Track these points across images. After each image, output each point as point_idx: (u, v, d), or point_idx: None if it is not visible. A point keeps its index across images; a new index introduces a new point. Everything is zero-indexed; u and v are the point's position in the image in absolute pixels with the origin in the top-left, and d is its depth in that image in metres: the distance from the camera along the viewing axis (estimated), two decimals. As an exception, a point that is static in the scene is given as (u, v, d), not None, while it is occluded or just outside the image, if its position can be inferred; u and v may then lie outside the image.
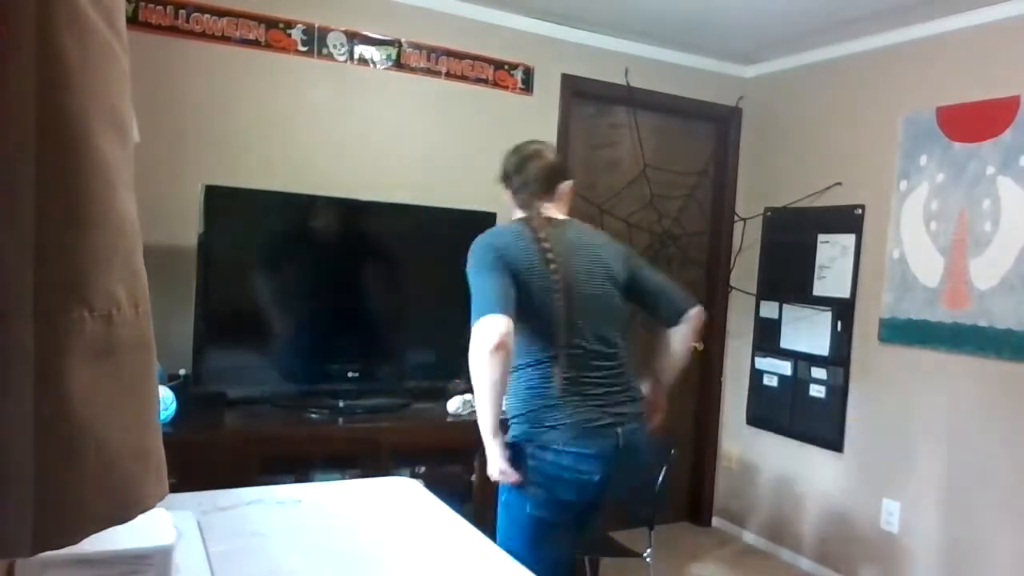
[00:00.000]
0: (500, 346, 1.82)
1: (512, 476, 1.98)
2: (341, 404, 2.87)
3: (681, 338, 2.14)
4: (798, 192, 3.75)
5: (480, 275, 1.92)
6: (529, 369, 2.00)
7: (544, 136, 3.60)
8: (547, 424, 1.96)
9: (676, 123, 4.01)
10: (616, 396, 2.02)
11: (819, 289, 3.61)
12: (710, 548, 3.80)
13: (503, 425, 2.01)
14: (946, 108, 3.10)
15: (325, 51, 3.11)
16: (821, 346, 3.58)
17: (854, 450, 3.44)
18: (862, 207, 3.44)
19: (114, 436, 0.58)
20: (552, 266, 1.95)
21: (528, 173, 2.11)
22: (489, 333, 1.82)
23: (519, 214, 2.12)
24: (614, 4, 3.29)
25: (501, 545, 1.61)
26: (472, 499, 2.89)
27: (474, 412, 3.06)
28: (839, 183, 3.56)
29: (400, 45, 3.26)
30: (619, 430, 1.98)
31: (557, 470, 1.95)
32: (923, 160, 3.17)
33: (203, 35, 2.90)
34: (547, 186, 2.11)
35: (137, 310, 0.60)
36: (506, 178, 2.16)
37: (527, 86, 3.55)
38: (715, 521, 4.19)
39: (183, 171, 2.86)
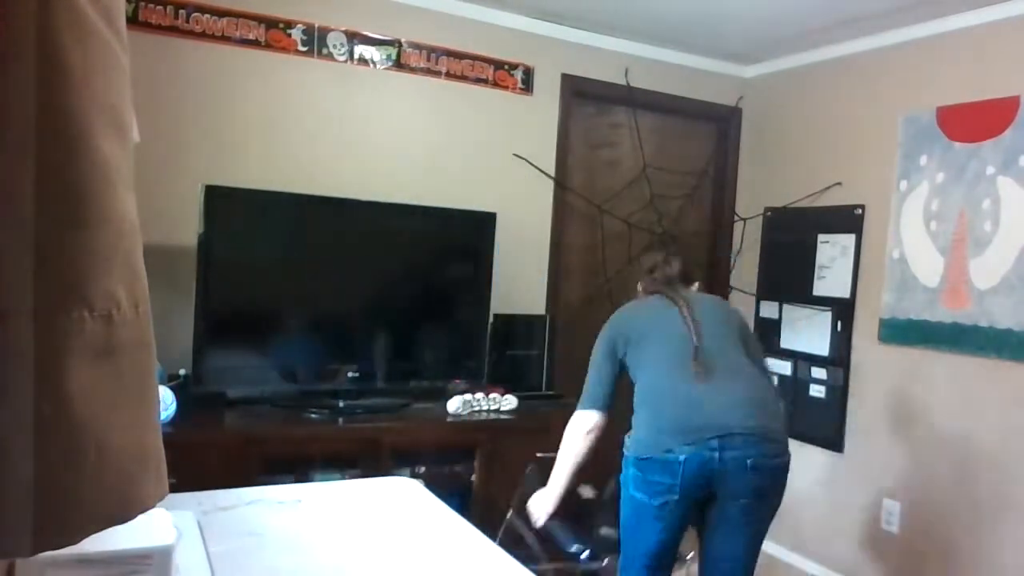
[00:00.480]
0: (588, 434, 2.28)
1: (539, 518, 2.37)
2: (341, 404, 2.87)
3: None
4: (798, 192, 3.75)
5: (595, 359, 2.32)
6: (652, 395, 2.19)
7: (544, 136, 3.61)
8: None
9: (676, 123, 4.01)
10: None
11: (819, 289, 3.61)
12: (710, 548, 3.80)
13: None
14: (946, 108, 3.10)
15: (325, 51, 3.11)
16: (821, 346, 3.58)
17: (854, 450, 3.44)
18: (862, 207, 3.44)
19: (114, 436, 0.58)
20: (685, 316, 2.22)
21: (670, 271, 2.44)
22: (582, 425, 2.29)
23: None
24: (614, 4, 3.29)
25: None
26: (472, 499, 2.89)
27: (474, 412, 3.08)
28: (839, 183, 3.56)
29: (400, 45, 3.26)
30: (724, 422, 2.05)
31: (647, 450, 2.06)
32: (923, 160, 3.17)
33: (203, 35, 2.90)
34: (682, 279, 2.45)
35: (137, 310, 0.60)
36: (649, 272, 2.47)
37: (527, 86, 3.55)
38: (715, 521, 4.19)
39: (183, 171, 2.86)
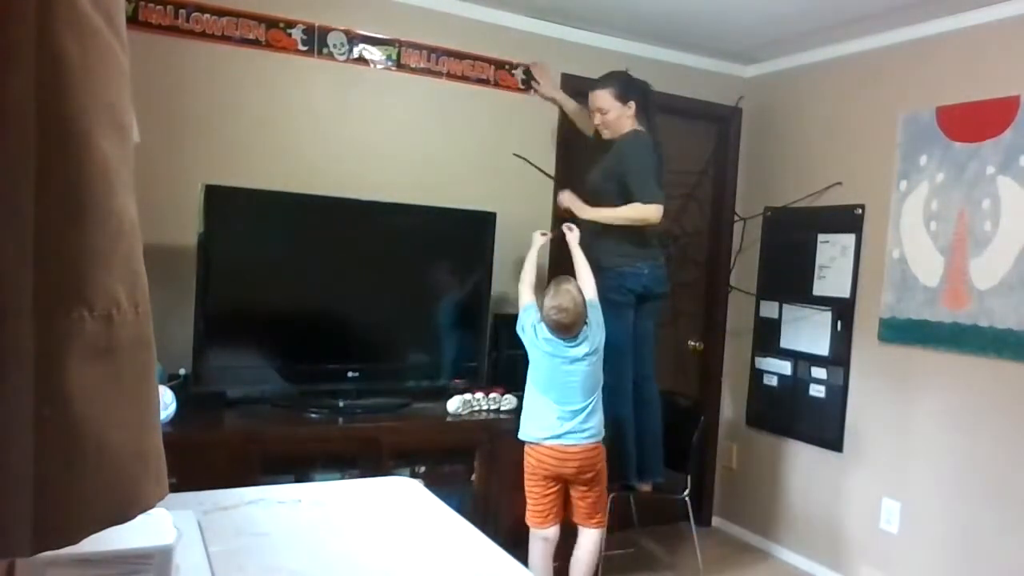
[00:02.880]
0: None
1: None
2: (341, 404, 2.87)
3: None
4: (798, 192, 3.75)
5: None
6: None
7: (544, 135, 3.61)
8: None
9: (676, 123, 4.00)
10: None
11: (819, 289, 3.61)
12: (710, 548, 3.80)
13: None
14: (946, 108, 3.10)
15: (325, 51, 3.11)
16: (821, 346, 3.58)
17: (854, 450, 3.44)
18: (862, 207, 3.44)
19: (114, 436, 0.58)
20: None
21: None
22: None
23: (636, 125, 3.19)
24: (614, 3, 3.29)
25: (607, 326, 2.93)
26: (472, 499, 2.89)
27: (474, 412, 3.08)
28: (839, 183, 3.56)
29: (400, 45, 3.26)
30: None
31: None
32: (923, 160, 3.17)
33: (203, 35, 2.90)
34: None
35: (137, 310, 0.60)
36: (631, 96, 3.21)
37: (527, 86, 3.54)
38: (715, 521, 4.19)
39: (183, 171, 2.86)
